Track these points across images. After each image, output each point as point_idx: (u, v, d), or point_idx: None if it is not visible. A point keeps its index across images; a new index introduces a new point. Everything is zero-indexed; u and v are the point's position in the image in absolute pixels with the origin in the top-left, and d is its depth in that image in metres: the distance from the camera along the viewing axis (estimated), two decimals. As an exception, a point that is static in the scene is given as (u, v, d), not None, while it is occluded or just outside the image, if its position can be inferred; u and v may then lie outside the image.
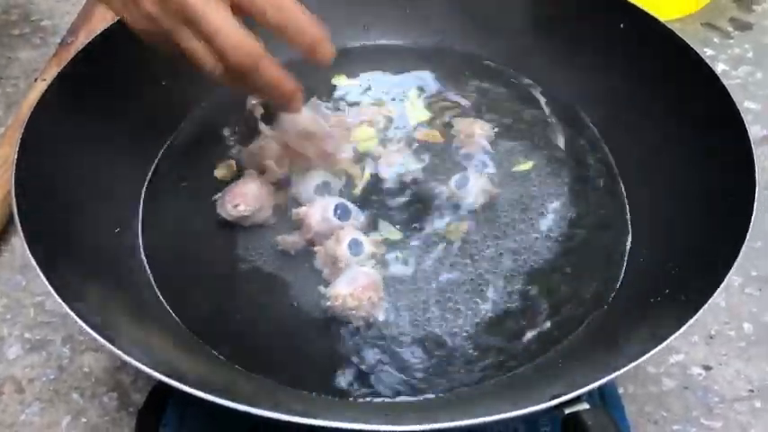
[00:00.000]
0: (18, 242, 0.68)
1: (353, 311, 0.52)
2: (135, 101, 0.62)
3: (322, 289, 0.54)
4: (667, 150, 0.60)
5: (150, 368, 0.41)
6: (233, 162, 0.64)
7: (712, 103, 0.59)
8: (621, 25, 0.63)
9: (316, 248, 0.56)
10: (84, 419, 0.57)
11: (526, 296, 0.54)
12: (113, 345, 0.42)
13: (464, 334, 0.53)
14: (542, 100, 0.70)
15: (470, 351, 0.52)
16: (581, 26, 0.66)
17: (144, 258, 0.57)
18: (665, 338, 0.41)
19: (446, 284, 0.55)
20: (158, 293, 0.55)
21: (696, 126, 0.59)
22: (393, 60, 0.73)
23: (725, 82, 0.85)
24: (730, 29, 0.94)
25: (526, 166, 0.63)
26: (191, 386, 0.40)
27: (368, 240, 0.56)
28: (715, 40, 0.92)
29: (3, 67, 0.86)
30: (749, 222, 0.49)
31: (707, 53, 0.90)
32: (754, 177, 0.52)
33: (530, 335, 0.52)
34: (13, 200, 0.50)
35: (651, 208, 0.58)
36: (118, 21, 0.59)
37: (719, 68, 0.88)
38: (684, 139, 0.60)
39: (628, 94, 0.64)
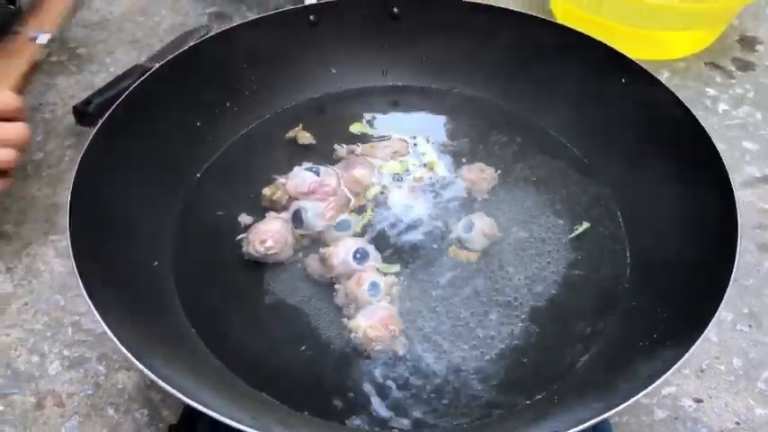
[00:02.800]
0: (57, 264, 0.73)
1: (374, 343, 0.57)
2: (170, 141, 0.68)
3: (344, 321, 0.59)
4: (663, 196, 0.65)
5: (180, 393, 0.47)
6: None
7: (699, 153, 0.63)
8: (623, 80, 0.68)
9: (336, 286, 0.61)
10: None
11: (527, 334, 0.59)
12: (151, 371, 0.47)
13: (470, 371, 0.57)
14: (550, 145, 0.75)
15: (477, 387, 0.56)
16: (588, 80, 0.71)
17: (176, 289, 0.63)
18: (651, 382, 0.45)
19: (453, 320, 0.60)
20: (189, 322, 0.61)
21: (684, 171, 0.64)
22: (408, 100, 0.79)
23: (725, 122, 0.91)
24: (733, 68, 0.98)
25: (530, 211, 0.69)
26: (215, 412, 0.46)
27: (384, 281, 0.61)
28: (717, 79, 0.96)
29: (41, 93, 0.91)
30: (731, 269, 0.52)
31: (709, 93, 0.94)
32: (737, 224, 0.55)
33: (528, 372, 0.57)
34: (69, 235, 0.55)
35: (647, 255, 0.63)
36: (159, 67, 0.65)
37: (720, 108, 0.92)
38: (677, 185, 0.64)
39: (634, 149, 0.69)
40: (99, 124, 0.62)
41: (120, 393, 0.65)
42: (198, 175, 0.71)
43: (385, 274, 0.62)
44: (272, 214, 0.66)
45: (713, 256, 0.56)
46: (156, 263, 0.62)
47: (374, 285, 0.60)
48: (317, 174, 0.68)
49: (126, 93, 0.64)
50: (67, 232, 0.54)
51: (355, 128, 0.77)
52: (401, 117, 0.79)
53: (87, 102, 0.86)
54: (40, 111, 0.89)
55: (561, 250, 0.65)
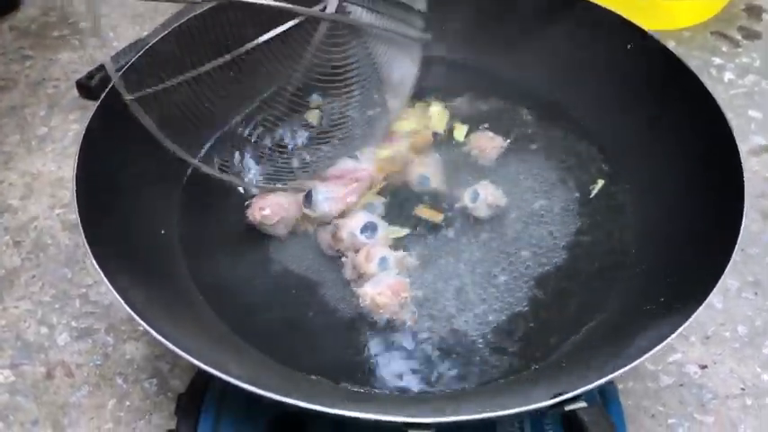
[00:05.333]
0: (64, 237, 0.74)
1: (382, 310, 0.57)
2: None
3: (353, 288, 0.60)
4: (670, 167, 0.64)
5: (194, 358, 0.47)
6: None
7: (707, 121, 0.63)
8: (629, 46, 0.67)
9: (343, 260, 0.62)
10: (127, 402, 0.63)
11: (535, 300, 0.59)
12: (164, 337, 0.48)
13: (479, 336, 0.58)
14: (558, 113, 0.74)
15: (484, 352, 0.56)
16: (592, 44, 0.70)
17: (183, 256, 0.63)
18: (654, 345, 0.46)
19: (461, 286, 0.60)
20: (196, 289, 0.61)
21: (692, 140, 0.63)
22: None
23: (730, 92, 0.91)
24: (739, 37, 0.97)
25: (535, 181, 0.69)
26: (228, 375, 0.45)
27: (394, 256, 0.61)
28: (723, 48, 0.96)
29: (44, 68, 0.91)
30: (737, 237, 0.52)
31: (715, 62, 0.93)
32: (743, 191, 0.55)
33: (536, 337, 0.57)
34: (76, 208, 0.55)
35: (654, 221, 0.63)
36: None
37: (726, 77, 0.92)
38: (685, 154, 0.64)
39: (635, 113, 0.68)
40: (105, 92, 0.62)
41: (128, 364, 0.65)
42: (208, 145, 0.71)
43: (395, 249, 0.62)
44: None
45: (719, 223, 0.56)
46: (164, 231, 0.62)
47: (383, 260, 0.60)
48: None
49: (129, 62, 0.63)
50: (74, 201, 0.55)
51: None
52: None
53: (90, 76, 0.87)
54: (44, 86, 0.89)
55: (569, 217, 0.65)
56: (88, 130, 0.60)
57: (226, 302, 0.60)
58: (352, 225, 0.62)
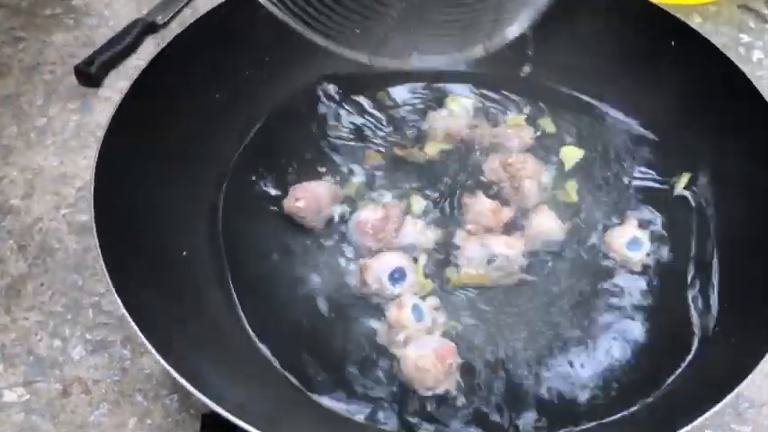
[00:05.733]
0: (71, 241, 0.70)
1: (424, 378, 0.55)
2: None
3: (392, 351, 0.58)
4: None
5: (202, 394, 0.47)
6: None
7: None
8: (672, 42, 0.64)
9: (374, 326, 0.60)
10: (149, 421, 0.60)
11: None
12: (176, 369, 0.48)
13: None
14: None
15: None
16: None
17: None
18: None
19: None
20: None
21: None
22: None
23: (757, 72, 0.87)
24: (766, 11, 0.93)
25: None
26: (240, 418, 0.46)
27: (426, 304, 0.59)
28: (751, 24, 0.92)
29: (39, 52, 0.86)
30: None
31: (743, 40, 0.90)
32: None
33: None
34: (93, 221, 0.53)
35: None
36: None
37: (755, 56, 0.88)
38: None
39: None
40: (119, 103, 0.59)
41: (147, 379, 0.63)
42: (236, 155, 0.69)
43: (423, 298, 0.60)
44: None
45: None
46: (185, 253, 0.59)
47: (416, 308, 0.58)
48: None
49: (144, 67, 0.60)
50: (93, 223, 0.52)
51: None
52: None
53: (89, 62, 0.82)
54: (39, 71, 0.84)
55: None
56: (105, 139, 0.57)
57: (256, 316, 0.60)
58: (380, 269, 0.60)
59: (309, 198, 0.64)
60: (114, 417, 0.61)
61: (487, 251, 0.61)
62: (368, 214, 0.64)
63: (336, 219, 0.66)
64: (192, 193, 0.64)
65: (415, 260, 0.62)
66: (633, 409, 0.56)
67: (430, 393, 0.56)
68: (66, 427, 0.60)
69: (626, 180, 0.70)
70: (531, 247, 0.63)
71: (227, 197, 0.67)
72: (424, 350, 0.55)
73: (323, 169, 0.69)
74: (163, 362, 0.48)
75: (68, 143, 0.78)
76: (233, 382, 0.53)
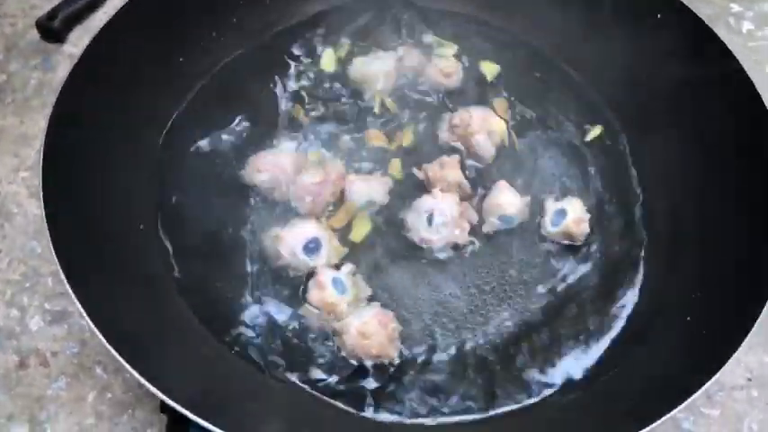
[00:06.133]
0: (32, 206, 0.67)
1: (369, 344, 0.54)
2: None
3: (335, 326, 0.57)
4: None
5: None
6: None
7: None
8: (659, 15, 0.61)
9: (301, 311, 0.58)
10: (109, 395, 0.59)
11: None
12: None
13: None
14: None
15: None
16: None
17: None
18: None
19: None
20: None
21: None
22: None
23: (749, 44, 0.85)
24: (758, -20, 0.90)
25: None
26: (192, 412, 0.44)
27: (343, 274, 0.58)
28: (742, -7, 0.89)
29: (-1, 2, 0.82)
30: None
31: (733, 9, 0.87)
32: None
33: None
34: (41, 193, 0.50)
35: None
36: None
37: (745, 28, 0.85)
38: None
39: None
40: (74, 65, 0.55)
41: (107, 351, 0.60)
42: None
43: (338, 266, 0.59)
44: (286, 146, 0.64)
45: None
46: (142, 226, 0.57)
47: (337, 282, 0.57)
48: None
49: (101, 28, 0.56)
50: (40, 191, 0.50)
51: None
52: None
53: (52, 15, 0.78)
54: (-1, 24, 0.80)
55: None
56: (59, 101, 0.54)
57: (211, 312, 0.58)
58: (294, 241, 0.58)
59: (273, 169, 0.61)
60: (73, 390, 0.59)
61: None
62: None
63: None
64: (142, 157, 0.62)
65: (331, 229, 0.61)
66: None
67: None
68: (22, 400, 0.58)
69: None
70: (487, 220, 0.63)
71: (172, 159, 0.65)
72: (365, 317, 0.55)
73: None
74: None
75: (30, 102, 0.74)
76: (177, 363, 0.52)
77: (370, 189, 0.62)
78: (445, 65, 0.70)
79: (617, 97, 0.70)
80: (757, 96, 0.59)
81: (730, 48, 0.64)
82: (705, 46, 0.64)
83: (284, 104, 0.68)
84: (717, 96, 0.63)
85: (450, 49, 0.73)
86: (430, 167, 0.63)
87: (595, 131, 0.69)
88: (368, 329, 0.54)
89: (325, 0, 0.73)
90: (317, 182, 0.60)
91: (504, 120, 0.68)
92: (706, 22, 0.65)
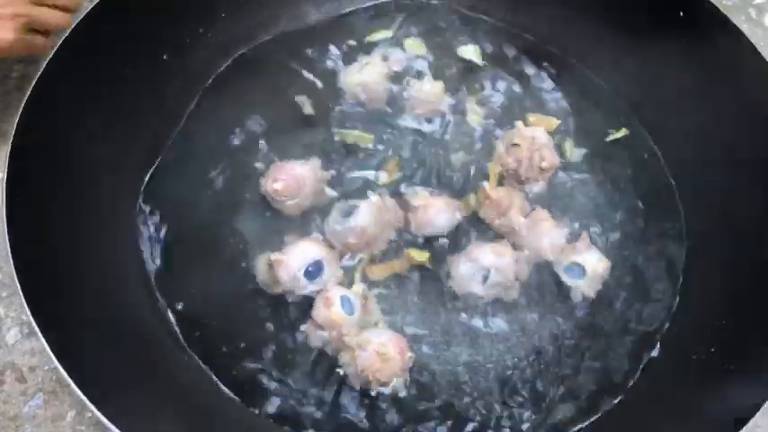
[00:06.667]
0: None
1: (380, 372, 0.50)
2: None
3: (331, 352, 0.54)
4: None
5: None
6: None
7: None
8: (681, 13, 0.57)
9: (303, 328, 0.55)
10: (89, 414, 0.56)
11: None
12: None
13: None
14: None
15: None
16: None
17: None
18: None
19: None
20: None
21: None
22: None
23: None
24: (781, -32, 0.85)
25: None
26: None
27: (353, 293, 0.54)
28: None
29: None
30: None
31: (755, 1, 0.82)
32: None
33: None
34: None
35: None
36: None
37: (767, 20, 0.81)
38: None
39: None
40: (41, 70, 0.51)
41: (88, 367, 0.57)
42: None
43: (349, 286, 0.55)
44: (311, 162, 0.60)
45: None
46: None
47: (345, 301, 0.53)
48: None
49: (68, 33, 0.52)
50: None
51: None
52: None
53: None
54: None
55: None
56: (25, 111, 0.50)
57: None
58: (295, 264, 0.54)
59: (290, 179, 0.58)
60: (51, 408, 0.56)
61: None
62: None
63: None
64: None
65: (332, 248, 0.57)
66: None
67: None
68: (-3, 418, 0.55)
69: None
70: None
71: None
72: (383, 338, 0.51)
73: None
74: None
75: (8, 97, 0.70)
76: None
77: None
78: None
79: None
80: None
81: (752, 41, 0.60)
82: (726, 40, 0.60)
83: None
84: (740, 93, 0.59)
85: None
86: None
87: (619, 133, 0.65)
88: (388, 351, 0.50)
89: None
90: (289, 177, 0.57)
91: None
92: (726, 13, 0.61)
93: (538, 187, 0.60)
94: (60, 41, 0.53)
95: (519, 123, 0.61)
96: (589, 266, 0.56)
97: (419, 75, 0.67)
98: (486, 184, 0.59)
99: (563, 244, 0.57)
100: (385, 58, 0.66)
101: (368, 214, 0.56)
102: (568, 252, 0.57)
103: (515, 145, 0.59)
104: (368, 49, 0.69)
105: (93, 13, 0.53)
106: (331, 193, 0.59)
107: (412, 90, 0.64)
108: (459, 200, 0.59)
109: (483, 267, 0.55)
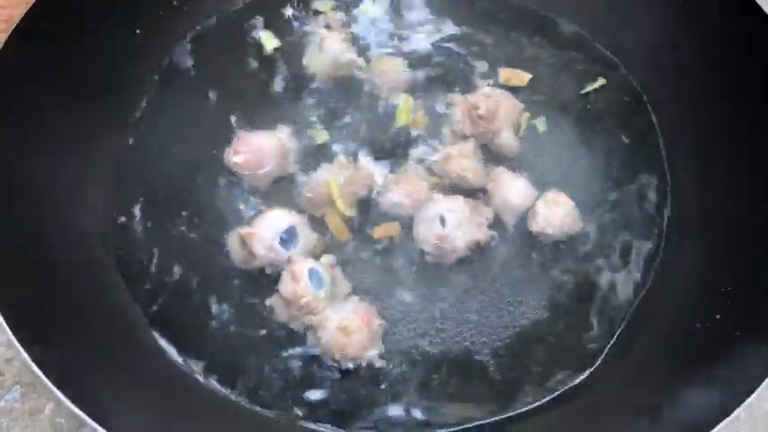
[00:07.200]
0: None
1: (348, 347, 0.48)
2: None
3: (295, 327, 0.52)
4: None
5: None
6: None
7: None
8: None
9: (269, 302, 0.52)
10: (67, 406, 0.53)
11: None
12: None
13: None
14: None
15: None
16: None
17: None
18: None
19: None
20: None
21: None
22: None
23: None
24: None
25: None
26: None
27: (322, 264, 0.52)
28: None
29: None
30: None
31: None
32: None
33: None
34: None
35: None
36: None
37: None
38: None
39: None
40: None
41: (66, 358, 0.55)
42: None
43: (317, 256, 0.53)
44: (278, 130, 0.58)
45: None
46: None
47: (314, 273, 0.51)
48: None
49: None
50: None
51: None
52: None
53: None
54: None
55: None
56: None
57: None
58: (269, 234, 0.52)
59: (250, 154, 0.56)
60: (29, 401, 0.54)
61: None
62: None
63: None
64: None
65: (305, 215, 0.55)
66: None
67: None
68: (-28, 412, 0.53)
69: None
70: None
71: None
72: (346, 311, 0.49)
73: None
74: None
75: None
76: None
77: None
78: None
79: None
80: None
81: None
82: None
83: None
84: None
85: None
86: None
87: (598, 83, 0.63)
88: (350, 324, 0.48)
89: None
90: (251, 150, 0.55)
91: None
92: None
93: (506, 139, 0.58)
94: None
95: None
96: (554, 215, 0.55)
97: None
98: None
99: (530, 193, 0.56)
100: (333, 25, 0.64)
101: (329, 172, 0.54)
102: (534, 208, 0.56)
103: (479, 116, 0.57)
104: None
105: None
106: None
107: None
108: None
109: (436, 213, 0.53)
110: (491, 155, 0.59)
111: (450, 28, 0.65)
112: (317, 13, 0.65)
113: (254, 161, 0.55)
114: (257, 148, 0.56)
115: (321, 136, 0.59)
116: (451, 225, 0.52)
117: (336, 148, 0.59)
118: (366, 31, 0.64)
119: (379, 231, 0.55)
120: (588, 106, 0.62)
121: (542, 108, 0.62)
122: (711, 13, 0.56)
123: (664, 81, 0.60)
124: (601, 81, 0.62)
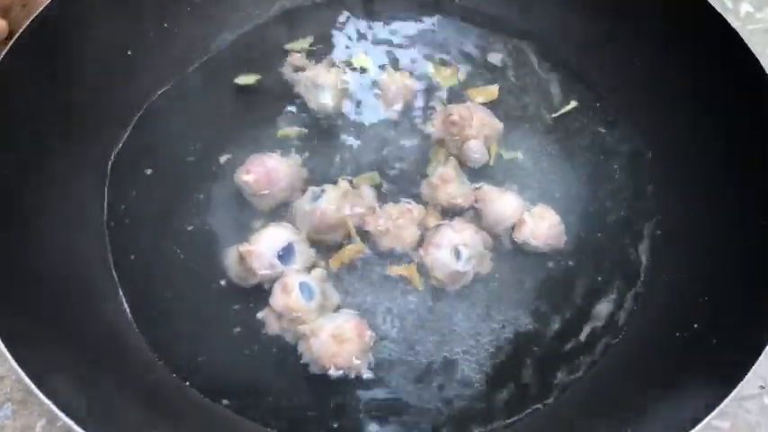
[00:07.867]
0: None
1: (336, 357, 0.49)
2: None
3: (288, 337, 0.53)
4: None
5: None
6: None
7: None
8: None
9: (259, 315, 0.53)
10: (59, 423, 0.53)
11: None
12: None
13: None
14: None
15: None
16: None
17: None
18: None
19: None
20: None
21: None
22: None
23: (748, 27, 0.80)
24: (757, -42, 0.86)
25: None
26: None
27: (313, 277, 0.53)
28: (739, -28, 0.84)
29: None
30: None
31: (731, -10, 0.82)
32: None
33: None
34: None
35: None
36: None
37: (743, 10, 0.81)
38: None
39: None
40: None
41: (58, 374, 0.55)
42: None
43: (308, 270, 0.54)
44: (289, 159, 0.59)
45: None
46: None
47: (305, 286, 0.51)
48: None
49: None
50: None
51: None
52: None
53: None
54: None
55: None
56: None
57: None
58: (267, 249, 0.53)
59: (263, 174, 0.56)
60: (20, 418, 0.54)
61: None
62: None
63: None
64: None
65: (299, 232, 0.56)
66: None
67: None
68: (-37, 431, 0.53)
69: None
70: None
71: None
72: (338, 321, 0.50)
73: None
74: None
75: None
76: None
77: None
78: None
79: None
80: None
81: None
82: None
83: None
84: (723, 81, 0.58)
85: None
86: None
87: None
88: (343, 333, 0.49)
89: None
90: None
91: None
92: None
93: (475, 145, 0.59)
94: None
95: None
96: (540, 229, 0.56)
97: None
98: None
99: (520, 205, 0.58)
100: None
101: (334, 198, 0.55)
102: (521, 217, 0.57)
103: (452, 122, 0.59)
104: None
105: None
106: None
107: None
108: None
109: (449, 244, 0.54)
110: (462, 165, 0.61)
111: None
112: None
113: (264, 181, 0.56)
114: (271, 169, 0.56)
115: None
116: (465, 259, 0.54)
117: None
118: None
119: (394, 270, 0.56)
120: (567, 125, 0.65)
121: (519, 126, 0.64)
122: (685, 34, 0.58)
123: (647, 99, 0.62)
124: (573, 104, 0.65)
